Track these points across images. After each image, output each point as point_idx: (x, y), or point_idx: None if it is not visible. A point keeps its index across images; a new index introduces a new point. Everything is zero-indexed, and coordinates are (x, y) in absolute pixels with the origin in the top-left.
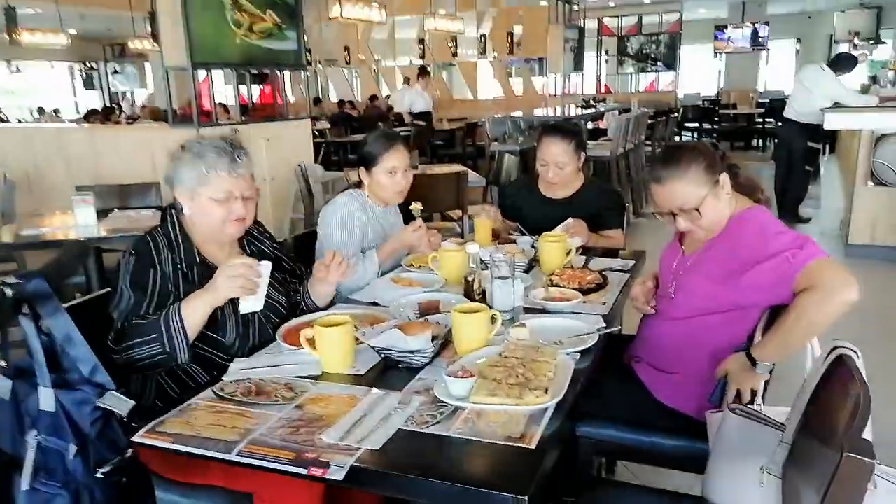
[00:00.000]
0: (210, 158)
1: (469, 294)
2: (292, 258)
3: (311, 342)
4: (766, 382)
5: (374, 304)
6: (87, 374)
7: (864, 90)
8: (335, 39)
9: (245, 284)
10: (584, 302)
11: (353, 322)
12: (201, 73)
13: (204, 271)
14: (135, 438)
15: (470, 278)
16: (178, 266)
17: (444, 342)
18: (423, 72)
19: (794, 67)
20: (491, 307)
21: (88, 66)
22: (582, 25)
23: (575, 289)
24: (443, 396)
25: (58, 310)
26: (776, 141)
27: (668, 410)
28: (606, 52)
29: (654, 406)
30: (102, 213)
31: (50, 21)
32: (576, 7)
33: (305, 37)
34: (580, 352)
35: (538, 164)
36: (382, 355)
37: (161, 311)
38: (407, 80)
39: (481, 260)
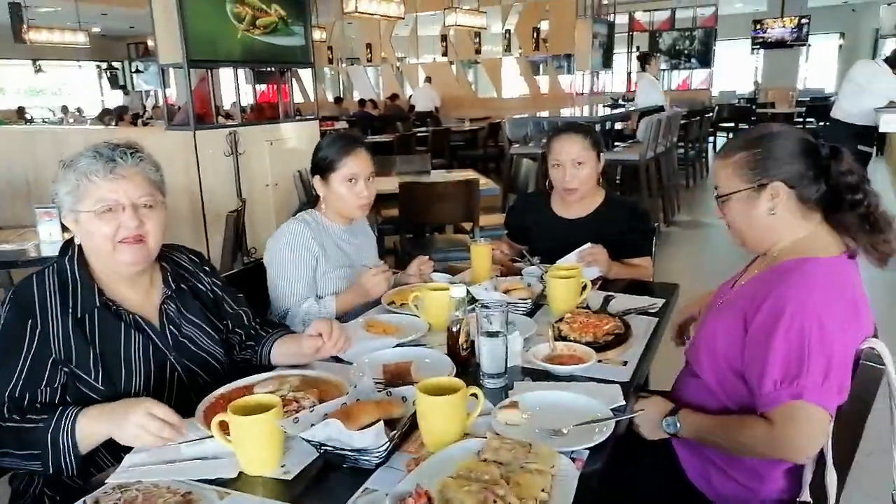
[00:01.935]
0: (82, 166)
1: (453, 351)
2: (239, 299)
3: (226, 429)
4: (840, 484)
5: (337, 358)
6: None
7: None
8: (357, 37)
9: (156, 443)
10: (601, 361)
11: (278, 406)
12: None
13: (105, 319)
14: None
15: (454, 329)
16: (72, 313)
17: (408, 429)
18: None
19: (837, 64)
20: (479, 368)
21: (111, 65)
22: (612, 20)
23: (588, 343)
24: None
25: None
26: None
27: (704, 499)
28: (637, 49)
29: (686, 491)
30: None
31: (70, 20)
32: (605, 1)
33: (325, 34)
34: (589, 448)
35: (550, 171)
36: (320, 451)
37: (39, 397)
38: (429, 79)
39: (473, 300)
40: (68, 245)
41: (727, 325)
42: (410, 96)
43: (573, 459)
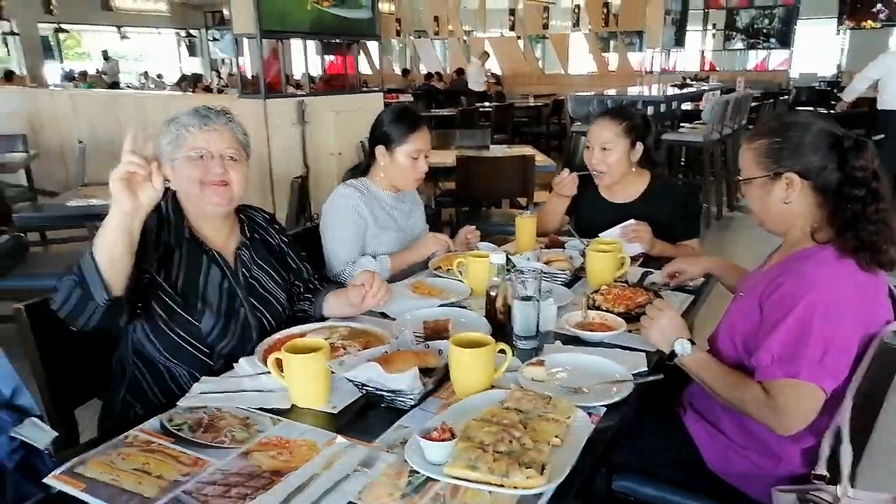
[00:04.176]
0: (182, 120)
1: (491, 314)
2: (301, 256)
3: (281, 366)
4: (855, 459)
5: (383, 314)
6: (7, 395)
7: None
8: (426, 10)
9: (130, 173)
10: (630, 331)
11: (326, 349)
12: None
13: (194, 252)
14: (46, 480)
15: (493, 293)
16: (164, 242)
17: (442, 378)
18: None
19: None
20: (512, 331)
21: (189, 33)
22: None
23: (620, 313)
24: (413, 462)
25: None
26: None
27: (718, 478)
28: (713, 27)
29: (701, 468)
30: None
31: None
32: None
33: (394, 6)
34: (607, 406)
35: (585, 156)
36: (363, 391)
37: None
38: (485, 55)
39: (513, 268)
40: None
41: (746, 311)
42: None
43: (590, 414)
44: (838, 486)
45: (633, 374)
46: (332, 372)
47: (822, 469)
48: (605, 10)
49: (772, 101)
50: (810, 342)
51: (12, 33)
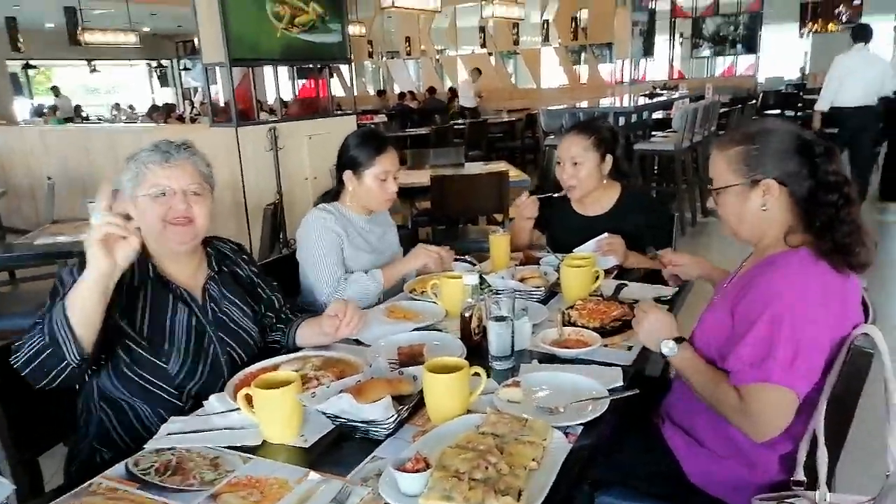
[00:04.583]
0: (143, 157)
1: (466, 335)
2: (273, 286)
3: (251, 402)
4: (832, 463)
5: (357, 341)
6: None
7: None
8: (397, 30)
9: (114, 227)
10: (606, 346)
11: (297, 382)
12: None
13: (159, 291)
14: None
15: (467, 314)
16: (128, 282)
17: (417, 404)
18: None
19: (893, 48)
20: (488, 352)
21: (160, 63)
22: (652, 7)
23: (595, 328)
24: (387, 496)
25: None
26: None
27: (699, 489)
28: (681, 35)
29: (681, 480)
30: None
31: (121, 20)
32: None
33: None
34: (584, 424)
35: (556, 172)
36: (335, 423)
37: None
38: (475, 72)
39: (487, 287)
40: None
41: (718, 318)
42: (450, 88)
43: (567, 434)
44: (816, 492)
45: (610, 390)
46: (304, 405)
47: (800, 475)
48: (573, 24)
49: (740, 106)
50: (780, 345)
51: None
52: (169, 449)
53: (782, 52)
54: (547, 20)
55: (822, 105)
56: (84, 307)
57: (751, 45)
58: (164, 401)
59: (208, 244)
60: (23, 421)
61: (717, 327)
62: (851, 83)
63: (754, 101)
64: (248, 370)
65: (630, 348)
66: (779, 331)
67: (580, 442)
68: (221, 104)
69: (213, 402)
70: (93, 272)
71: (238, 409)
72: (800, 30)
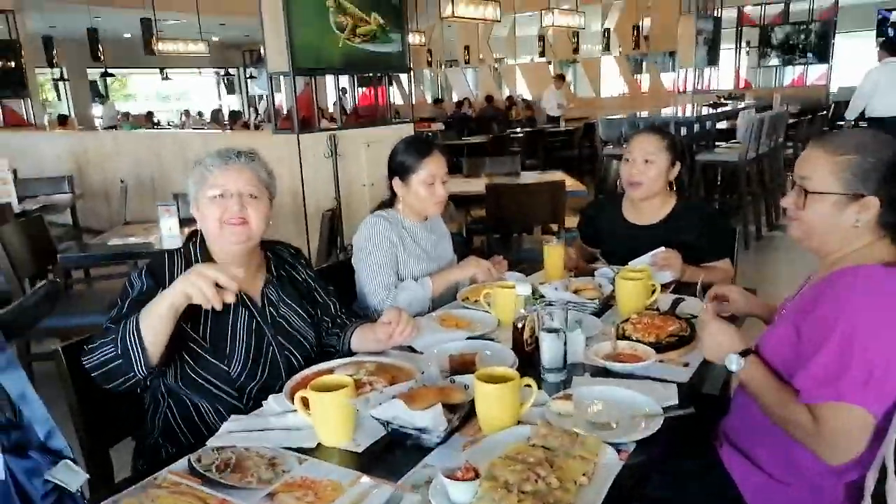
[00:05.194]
0: (207, 161)
1: (518, 345)
2: (329, 291)
3: (307, 404)
4: None
5: (411, 348)
6: (42, 437)
7: None
8: (456, 39)
9: (204, 290)
10: (662, 361)
11: (351, 386)
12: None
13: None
14: None
15: (520, 325)
16: None
17: (468, 414)
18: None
19: None
20: (540, 364)
21: (227, 72)
22: (718, 15)
23: (650, 343)
24: (437, 503)
25: (11, 363)
26: None
27: None
28: (748, 44)
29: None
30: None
31: (192, 31)
32: None
33: (425, 38)
34: (636, 441)
35: (622, 166)
36: (388, 429)
37: None
38: (560, 78)
39: (540, 298)
40: (189, 239)
41: (782, 334)
42: (508, 97)
43: (619, 451)
44: None
45: (664, 408)
46: (357, 409)
47: None
48: (635, 33)
49: (810, 116)
50: (853, 363)
51: (62, 79)
52: (230, 447)
53: (857, 61)
54: (608, 29)
55: (853, 115)
56: (157, 326)
57: (822, 54)
58: (226, 401)
59: (268, 249)
60: (95, 414)
61: (781, 344)
62: (881, 95)
63: (825, 112)
64: (304, 373)
65: (686, 365)
66: (852, 348)
67: (633, 459)
68: (284, 112)
69: (272, 402)
70: (179, 298)
71: (295, 410)
72: (877, 38)
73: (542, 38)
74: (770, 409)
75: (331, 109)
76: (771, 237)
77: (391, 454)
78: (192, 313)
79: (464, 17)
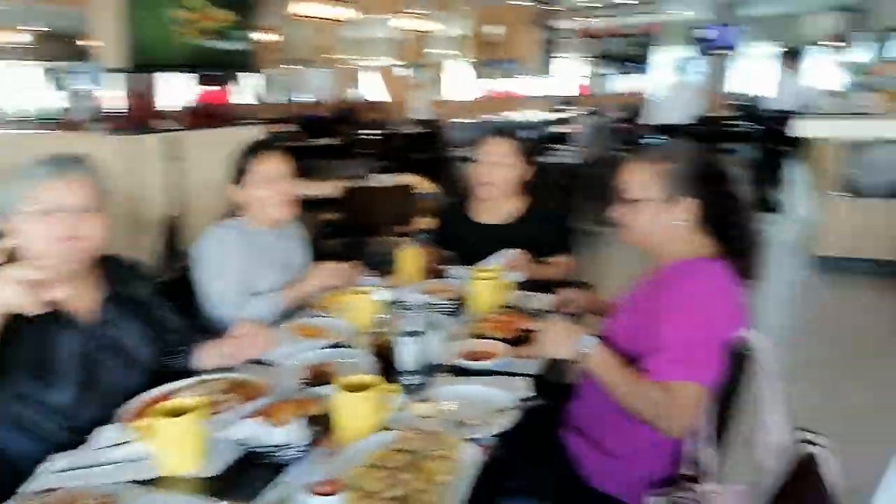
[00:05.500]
0: (31, 172)
1: (376, 351)
2: (169, 307)
3: (151, 431)
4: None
5: (260, 361)
6: None
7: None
8: (307, 39)
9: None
10: (515, 357)
11: (202, 408)
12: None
13: (45, 317)
14: None
15: (378, 330)
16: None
17: (329, 425)
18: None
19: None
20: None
21: (54, 66)
22: (559, 27)
23: (504, 339)
24: None
25: None
26: None
27: (599, 492)
28: (589, 55)
29: (581, 483)
30: None
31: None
32: (554, 7)
33: (276, 36)
34: (494, 434)
35: (473, 171)
36: (242, 448)
37: None
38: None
39: (395, 303)
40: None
41: (628, 323)
42: (362, 98)
43: (481, 446)
44: (703, 484)
45: (519, 400)
46: (210, 432)
47: (687, 469)
48: (482, 40)
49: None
50: (696, 343)
51: None
52: (50, 490)
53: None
54: (457, 35)
55: (647, 120)
56: None
57: (644, 65)
58: (49, 437)
59: (102, 264)
60: None
61: (626, 330)
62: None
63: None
64: (142, 397)
65: (537, 358)
66: (695, 329)
67: (492, 452)
68: (118, 111)
69: (105, 433)
70: None
71: (130, 440)
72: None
73: (392, 40)
74: (619, 389)
75: (171, 109)
76: (602, 234)
77: (247, 475)
78: (7, 337)
79: (311, 16)
